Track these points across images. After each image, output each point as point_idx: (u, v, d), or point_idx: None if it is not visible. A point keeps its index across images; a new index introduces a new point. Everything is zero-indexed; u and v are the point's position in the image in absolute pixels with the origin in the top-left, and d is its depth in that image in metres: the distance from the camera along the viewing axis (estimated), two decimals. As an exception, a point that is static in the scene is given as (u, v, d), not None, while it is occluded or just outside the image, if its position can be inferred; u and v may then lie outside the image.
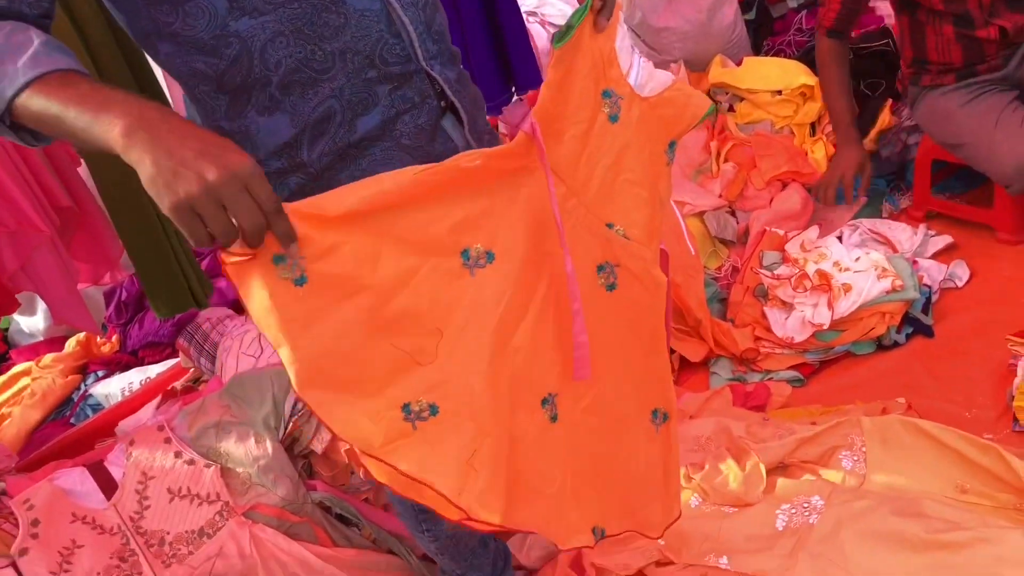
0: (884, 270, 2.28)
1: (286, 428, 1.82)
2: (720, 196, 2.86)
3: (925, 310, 2.33)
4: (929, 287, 2.38)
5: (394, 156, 1.16)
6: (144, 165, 0.88)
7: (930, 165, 2.70)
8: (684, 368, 2.39)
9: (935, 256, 2.58)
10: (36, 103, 0.95)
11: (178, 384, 2.21)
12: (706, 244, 2.69)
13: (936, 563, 1.41)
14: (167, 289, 2.23)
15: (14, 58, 0.95)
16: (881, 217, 2.83)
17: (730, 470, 1.71)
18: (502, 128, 2.96)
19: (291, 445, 1.86)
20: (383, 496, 1.91)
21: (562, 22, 3.69)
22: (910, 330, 2.29)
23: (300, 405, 1.83)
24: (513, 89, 2.86)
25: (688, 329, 2.44)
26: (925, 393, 2.07)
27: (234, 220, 0.87)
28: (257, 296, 0.91)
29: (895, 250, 2.56)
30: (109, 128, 0.89)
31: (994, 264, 2.51)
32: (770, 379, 2.23)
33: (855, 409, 1.95)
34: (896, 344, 2.27)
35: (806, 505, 1.60)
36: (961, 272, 2.48)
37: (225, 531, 1.74)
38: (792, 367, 2.26)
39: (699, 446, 1.83)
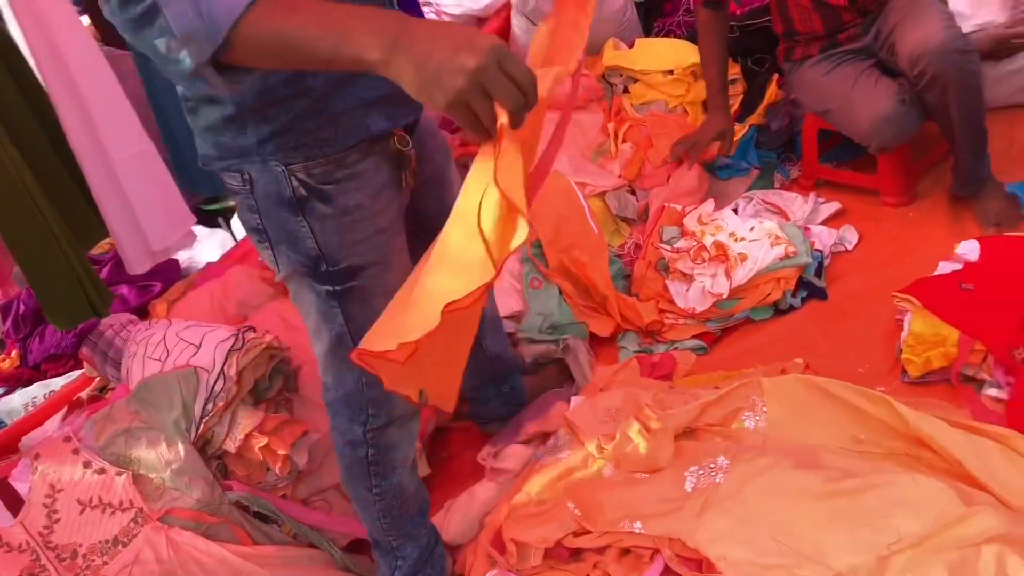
0: (777, 238, 2.38)
1: (198, 430, 1.81)
2: (620, 176, 2.92)
3: (818, 274, 2.43)
4: (821, 252, 2.49)
5: None
6: (408, 75, 0.95)
7: (816, 135, 2.81)
8: (594, 343, 2.44)
9: (826, 222, 2.70)
10: (263, 29, 0.99)
11: (84, 394, 2.16)
12: (608, 223, 2.75)
13: (835, 510, 1.49)
14: (63, 300, 2.16)
15: None
16: (774, 188, 2.93)
17: (640, 438, 1.76)
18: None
19: (203, 447, 1.84)
20: (301, 490, 1.91)
21: (456, 11, 3.73)
22: (804, 294, 2.39)
23: (210, 406, 1.81)
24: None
25: (595, 306, 2.49)
26: (821, 352, 2.17)
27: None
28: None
29: (788, 219, 2.66)
30: (363, 49, 0.96)
31: (881, 226, 2.64)
32: (675, 349, 2.30)
33: (755, 372, 2.03)
34: (792, 308, 2.37)
35: (712, 465, 1.66)
36: (850, 236, 2.60)
37: (141, 538, 1.72)
38: (695, 336, 2.34)
39: (609, 417, 1.88)
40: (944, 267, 2.11)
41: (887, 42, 2.46)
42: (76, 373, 2.45)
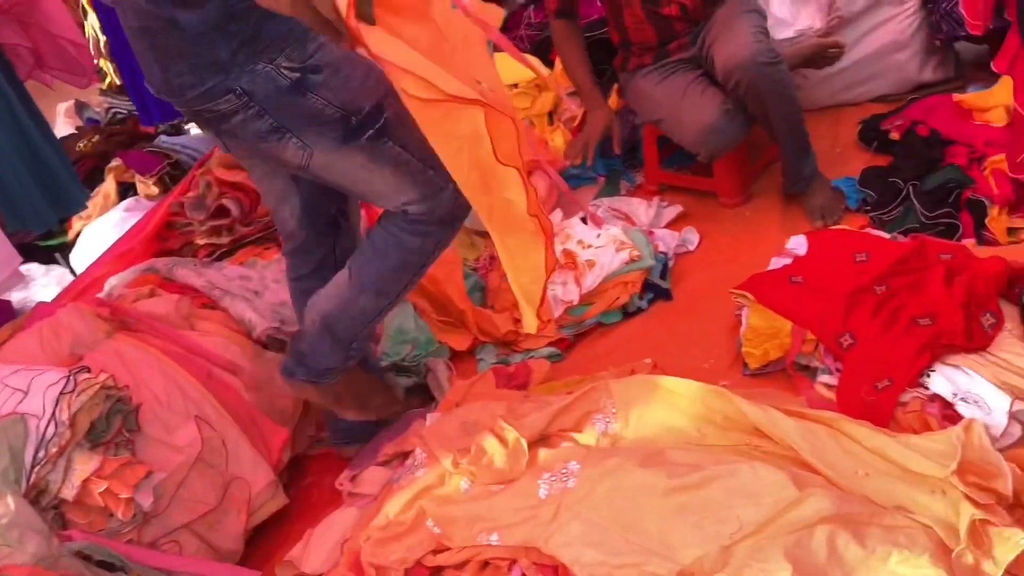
0: (622, 243, 2.45)
1: (29, 480, 1.70)
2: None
3: (663, 275, 2.52)
4: (665, 254, 2.57)
5: None
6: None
7: (655, 142, 2.91)
8: (453, 358, 2.44)
9: (669, 225, 2.79)
10: None
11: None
12: (463, 236, 2.76)
13: (680, 505, 1.53)
14: None
15: None
16: (620, 194, 3.02)
17: (494, 449, 1.78)
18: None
19: (37, 497, 1.73)
20: (149, 533, 1.82)
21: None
22: (651, 296, 2.47)
23: (42, 453, 1.71)
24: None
25: (452, 320, 2.50)
26: (668, 351, 2.25)
27: None
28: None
29: (633, 224, 2.74)
30: None
31: (720, 227, 2.76)
32: (531, 358, 2.33)
33: (607, 375, 2.07)
34: (640, 310, 2.44)
35: (564, 471, 1.68)
36: (692, 237, 2.70)
37: (-30, 601, 1.60)
38: (550, 344, 2.37)
39: (465, 431, 1.88)
40: (776, 262, 2.21)
41: (708, 55, 2.57)
42: None
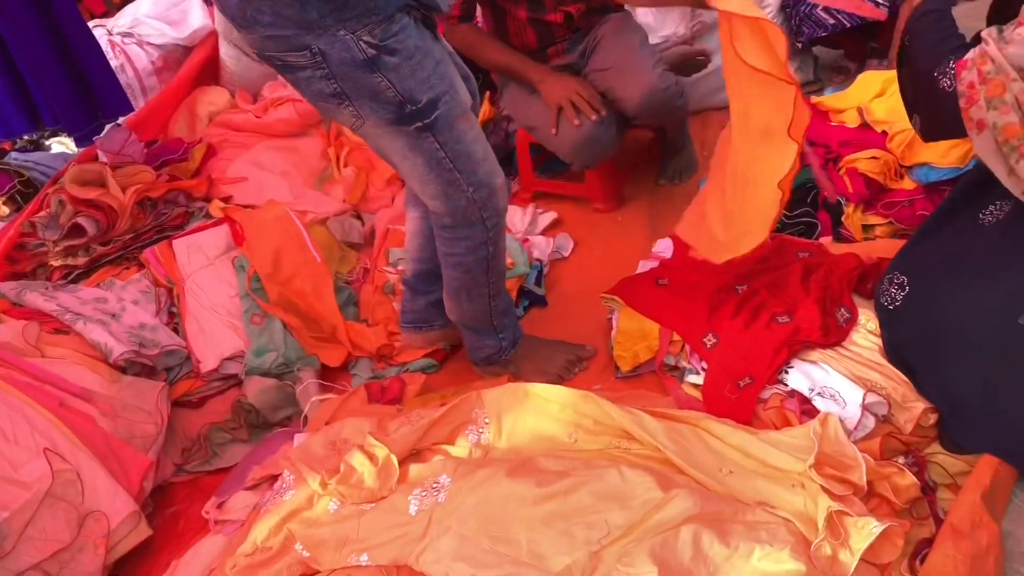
0: (495, 252, 2.44)
1: None
2: (344, 201, 2.89)
3: (538, 282, 2.52)
4: (540, 261, 2.58)
5: None
6: None
7: (529, 149, 2.92)
8: (327, 374, 2.38)
9: (544, 232, 2.80)
10: None
11: None
12: (334, 250, 2.70)
13: (549, 513, 1.52)
14: None
15: None
16: (495, 202, 3.01)
17: (364, 467, 1.73)
18: (102, 157, 2.76)
19: None
20: (-5, 578, 1.71)
21: (160, 41, 3.54)
22: (527, 303, 2.46)
23: None
24: (101, 118, 2.69)
25: (325, 336, 2.43)
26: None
27: None
28: None
29: (509, 231, 2.73)
30: None
31: (593, 231, 2.79)
32: (406, 371, 2.29)
33: (480, 384, 2.05)
34: (517, 317, 2.43)
35: (435, 485, 1.66)
36: (566, 243, 2.72)
37: None
38: (426, 355, 2.33)
39: (334, 450, 1.83)
40: (644, 265, 2.24)
41: (609, 88, 2.60)
42: None
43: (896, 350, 1.69)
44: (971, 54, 1.41)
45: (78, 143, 2.76)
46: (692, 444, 1.66)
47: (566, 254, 2.69)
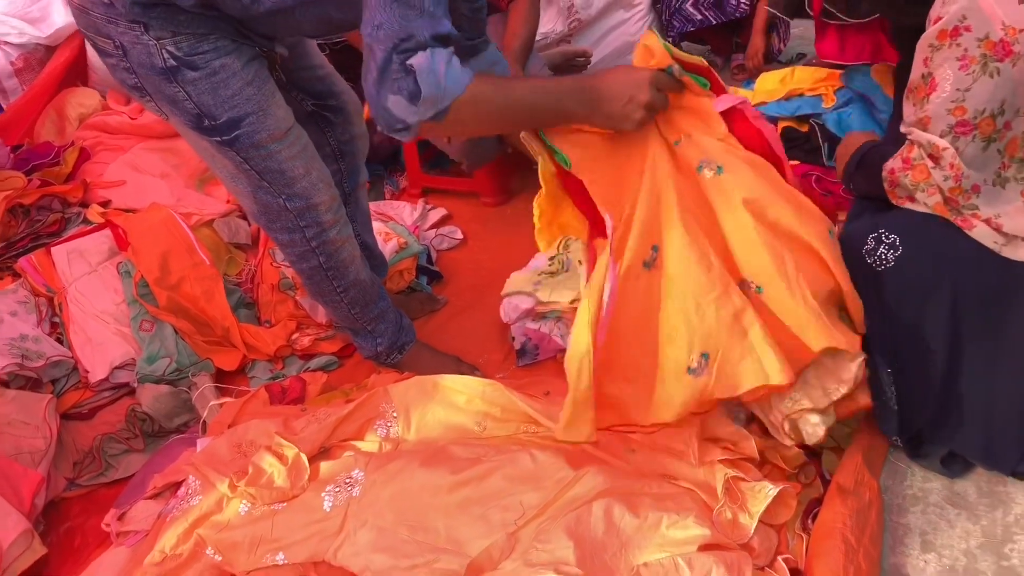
0: (388, 234, 2.47)
1: None
2: (228, 202, 2.83)
3: (430, 262, 2.57)
4: (426, 246, 2.63)
5: None
6: (602, 122, 1.59)
7: (417, 146, 2.94)
8: (223, 378, 2.33)
9: (434, 227, 2.83)
10: (484, 95, 1.46)
11: None
12: (222, 251, 2.64)
13: (464, 499, 1.56)
14: None
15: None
16: (384, 199, 3.02)
17: (273, 467, 1.72)
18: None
19: None
20: None
21: (19, 40, 3.37)
22: (425, 279, 2.51)
23: None
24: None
25: (218, 339, 2.38)
26: (446, 348, 2.27)
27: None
28: None
29: (398, 222, 2.76)
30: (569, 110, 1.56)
31: (484, 226, 2.84)
32: (306, 370, 2.28)
33: (380, 379, 2.06)
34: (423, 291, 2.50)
35: (348, 480, 1.66)
36: (455, 233, 2.76)
37: None
38: (333, 352, 2.33)
39: (240, 452, 1.81)
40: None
41: None
42: None
43: (886, 308, 1.60)
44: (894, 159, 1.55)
45: (-59, 148, 2.61)
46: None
47: (456, 240, 2.73)
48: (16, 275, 2.42)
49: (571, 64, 2.98)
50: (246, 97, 1.70)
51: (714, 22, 3.43)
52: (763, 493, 1.50)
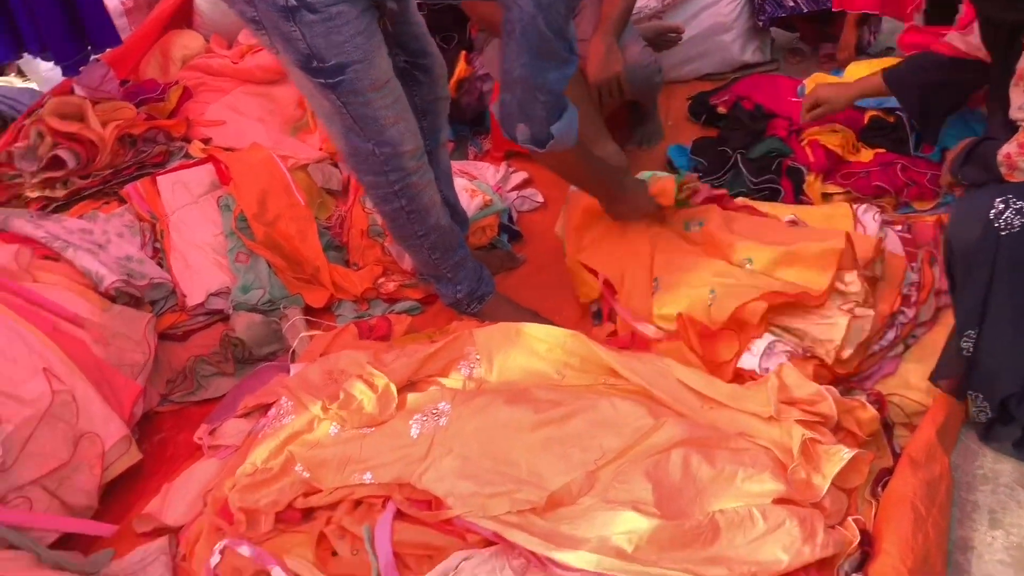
0: (473, 191, 2.54)
1: None
2: (320, 149, 2.93)
3: (511, 220, 2.65)
4: (508, 207, 2.70)
5: None
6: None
7: (504, 109, 3.00)
8: (309, 314, 2.43)
9: (515, 189, 2.90)
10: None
11: None
12: (314, 195, 2.74)
13: (547, 437, 1.63)
14: None
15: None
16: (468, 159, 3.09)
17: (364, 394, 1.81)
18: (79, 91, 2.75)
19: None
20: (-2, 488, 1.74)
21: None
22: (506, 236, 2.58)
23: None
24: (89, 48, 2.68)
25: (308, 277, 2.48)
26: (525, 304, 2.34)
27: None
28: None
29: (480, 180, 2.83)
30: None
31: (563, 191, 2.85)
32: (391, 312, 2.37)
33: (462, 325, 2.14)
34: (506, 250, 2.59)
35: (435, 411, 1.75)
36: (536, 195, 2.83)
37: None
38: (415, 298, 2.43)
39: (331, 379, 1.90)
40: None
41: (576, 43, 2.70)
42: None
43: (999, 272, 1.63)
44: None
45: (65, 72, 2.73)
46: (674, 384, 1.79)
47: (537, 202, 2.80)
48: (122, 200, 2.55)
49: (663, 39, 3.02)
50: (355, 45, 1.77)
51: (805, 10, 3.43)
52: (838, 456, 1.54)
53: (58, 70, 3.12)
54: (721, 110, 2.98)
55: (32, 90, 3.27)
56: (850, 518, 1.52)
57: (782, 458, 1.58)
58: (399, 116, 1.94)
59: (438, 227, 2.14)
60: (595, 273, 2.21)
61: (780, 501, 1.48)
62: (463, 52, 3.14)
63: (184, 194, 2.48)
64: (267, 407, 1.98)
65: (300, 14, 1.71)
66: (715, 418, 1.71)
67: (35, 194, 2.54)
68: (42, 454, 1.81)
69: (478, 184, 2.65)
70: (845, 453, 1.54)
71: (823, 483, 1.53)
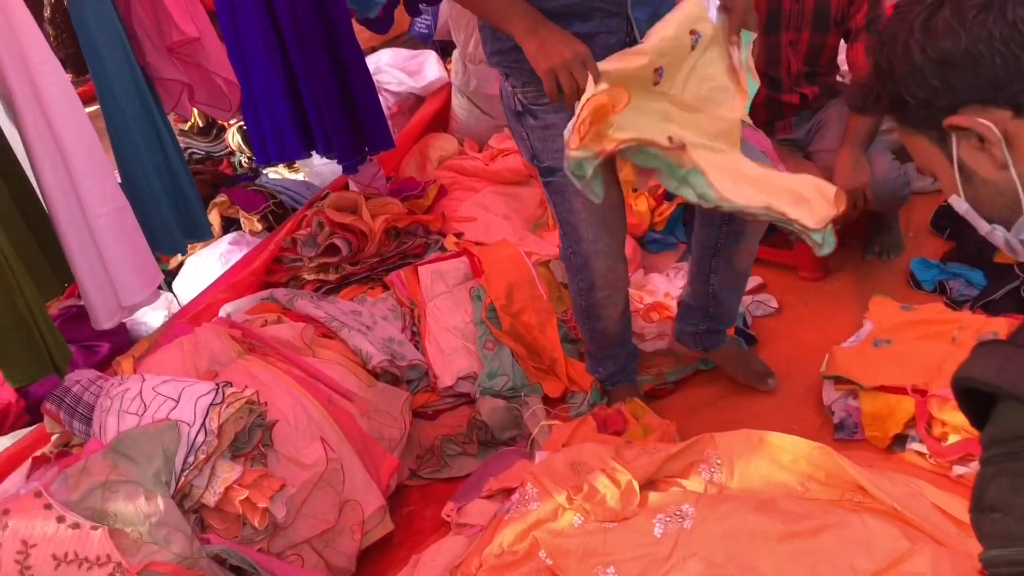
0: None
1: (177, 483, 1.82)
2: (558, 246, 3.09)
3: (745, 325, 2.66)
4: (743, 312, 2.72)
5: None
6: (531, 46, 1.69)
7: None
8: (545, 402, 2.55)
9: (749, 293, 2.92)
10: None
11: (47, 449, 2.12)
12: (553, 289, 2.89)
13: (795, 550, 1.63)
14: (22, 354, 2.11)
15: None
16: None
17: (607, 489, 1.87)
18: (352, 186, 3.08)
19: (181, 500, 1.85)
20: (276, 544, 1.93)
21: (398, 89, 3.89)
22: (741, 340, 2.60)
23: (191, 459, 1.83)
24: (367, 150, 3.00)
25: (545, 368, 2.61)
26: (756, 411, 2.36)
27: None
28: None
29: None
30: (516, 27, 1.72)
31: (799, 298, 2.88)
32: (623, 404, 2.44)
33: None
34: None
35: (679, 512, 1.78)
36: (771, 301, 2.83)
37: (119, 592, 1.71)
38: (650, 390, 2.51)
39: (575, 470, 1.99)
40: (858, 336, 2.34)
41: (823, 154, 2.74)
42: (23, 431, 2.40)
43: None
44: None
45: (345, 170, 3.07)
46: (927, 507, 1.73)
47: (771, 309, 2.80)
48: (385, 287, 2.80)
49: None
50: (563, 150, 1.88)
51: None
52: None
53: (326, 163, 3.50)
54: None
55: (306, 183, 3.66)
56: None
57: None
58: (598, 235, 2.09)
59: (605, 330, 2.33)
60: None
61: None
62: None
63: (440, 283, 2.70)
64: (511, 491, 2.09)
65: (525, 118, 1.98)
66: (974, 547, 1.64)
67: (311, 276, 2.84)
68: (315, 516, 2.00)
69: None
70: None
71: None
